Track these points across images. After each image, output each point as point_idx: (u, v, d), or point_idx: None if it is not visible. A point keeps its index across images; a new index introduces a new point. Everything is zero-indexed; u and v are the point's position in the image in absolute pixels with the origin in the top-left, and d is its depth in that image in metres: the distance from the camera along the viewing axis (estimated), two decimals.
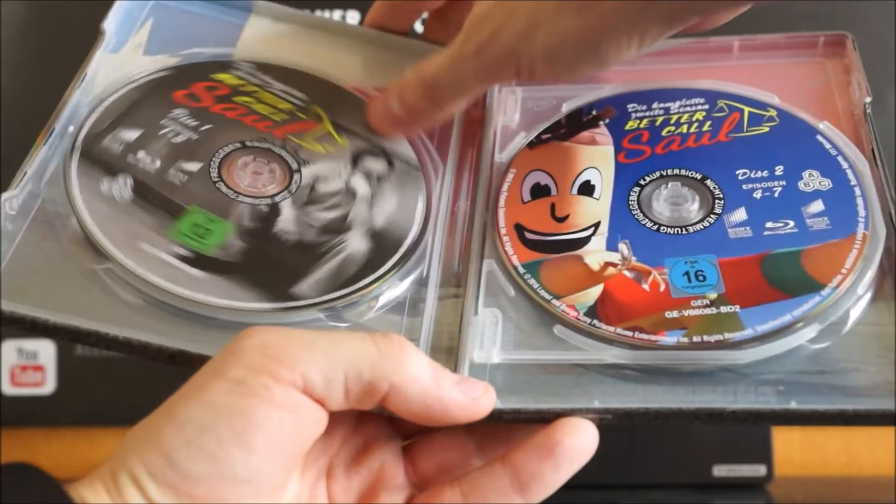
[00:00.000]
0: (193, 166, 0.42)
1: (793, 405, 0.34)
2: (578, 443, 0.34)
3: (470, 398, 0.34)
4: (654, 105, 0.45)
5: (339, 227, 0.41)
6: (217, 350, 0.34)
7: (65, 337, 0.36)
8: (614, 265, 0.39)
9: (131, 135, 0.42)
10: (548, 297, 0.38)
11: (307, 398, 0.32)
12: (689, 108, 0.45)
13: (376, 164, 0.44)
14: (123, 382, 0.64)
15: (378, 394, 0.33)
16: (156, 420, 0.32)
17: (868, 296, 0.37)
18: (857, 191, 0.40)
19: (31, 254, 0.38)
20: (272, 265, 0.39)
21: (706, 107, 0.45)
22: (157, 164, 0.41)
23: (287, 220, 0.41)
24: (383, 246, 0.41)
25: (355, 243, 0.41)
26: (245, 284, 0.38)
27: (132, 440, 0.32)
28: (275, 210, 0.41)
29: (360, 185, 0.43)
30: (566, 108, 0.46)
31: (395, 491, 0.35)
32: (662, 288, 0.38)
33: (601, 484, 0.59)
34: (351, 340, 0.33)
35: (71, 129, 0.41)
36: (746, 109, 0.44)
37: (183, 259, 0.38)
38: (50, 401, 0.65)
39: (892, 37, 0.60)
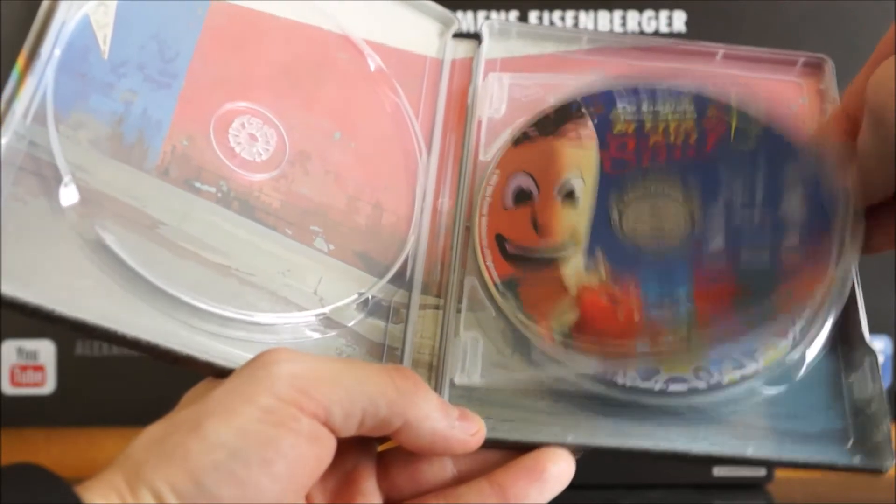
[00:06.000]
0: None
1: (749, 452, 0.37)
2: (561, 470, 0.37)
3: (469, 434, 0.36)
4: (644, 105, 0.45)
5: None
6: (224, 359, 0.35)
7: (59, 325, 0.33)
8: (591, 287, 0.40)
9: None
10: (526, 320, 0.39)
11: (326, 430, 0.33)
12: (678, 114, 0.45)
13: None
14: (123, 382, 0.64)
15: (390, 428, 0.34)
16: (177, 434, 0.31)
17: (823, 341, 0.39)
18: (830, 226, 0.41)
19: (19, 213, 0.34)
20: None
21: (695, 114, 0.44)
22: None
23: None
24: None
25: None
26: None
27: (149, 451, 0.31)
28: None
29: None
30: (554, 99, 0.45)
31: (368, 495, 0.37)
32: (636, 316, 0.39)
33: (601, 484, 0.58)
34: (371, 376, 0.34)
35: (57, 52, 0.36)
36: (734, 122, 0.44)
37: None
38: (50, 401, 0.65)
39: None
